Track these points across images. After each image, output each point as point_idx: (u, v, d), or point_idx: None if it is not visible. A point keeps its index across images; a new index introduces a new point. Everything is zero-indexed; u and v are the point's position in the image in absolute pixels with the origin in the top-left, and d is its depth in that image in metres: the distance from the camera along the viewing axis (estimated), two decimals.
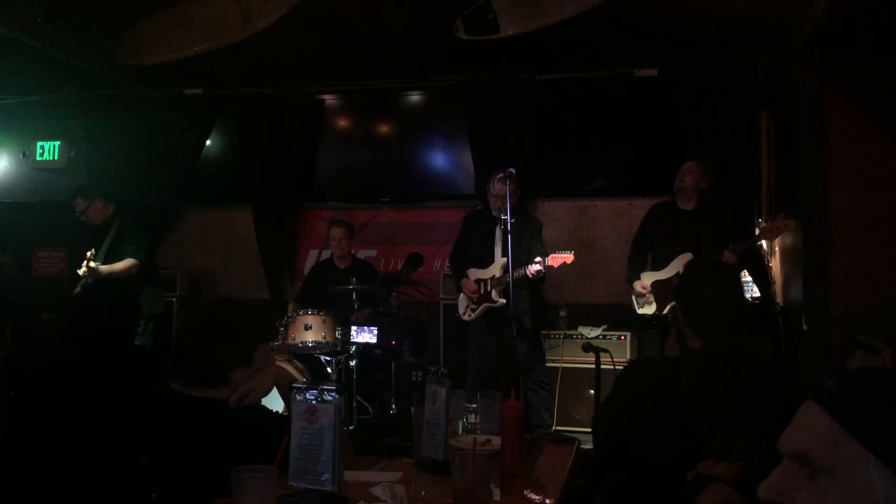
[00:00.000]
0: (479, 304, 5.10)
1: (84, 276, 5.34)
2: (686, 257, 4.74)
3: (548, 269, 4.79)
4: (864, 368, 1.08)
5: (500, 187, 4.85)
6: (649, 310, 4.93)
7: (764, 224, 5.72)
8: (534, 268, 4.77)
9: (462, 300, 5.24)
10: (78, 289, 5.28)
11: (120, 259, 5.51)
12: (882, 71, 4.87)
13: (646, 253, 5.10)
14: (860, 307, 4.84)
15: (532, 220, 5.32)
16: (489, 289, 5.03)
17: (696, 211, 4.89)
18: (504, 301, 4.92)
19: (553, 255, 4.81)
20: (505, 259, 4.93)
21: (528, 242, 5.01)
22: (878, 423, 0.91)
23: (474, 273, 5.14)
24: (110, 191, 5.96)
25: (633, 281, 5.01)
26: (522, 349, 4.97)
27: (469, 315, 5.15)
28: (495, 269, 5.04)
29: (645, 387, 2.27)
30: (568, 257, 4.80)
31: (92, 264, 5.32)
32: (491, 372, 5.01)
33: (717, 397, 1.98)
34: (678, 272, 4.70)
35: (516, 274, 4.73)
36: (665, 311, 4.79)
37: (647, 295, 4.91)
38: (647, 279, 4.97)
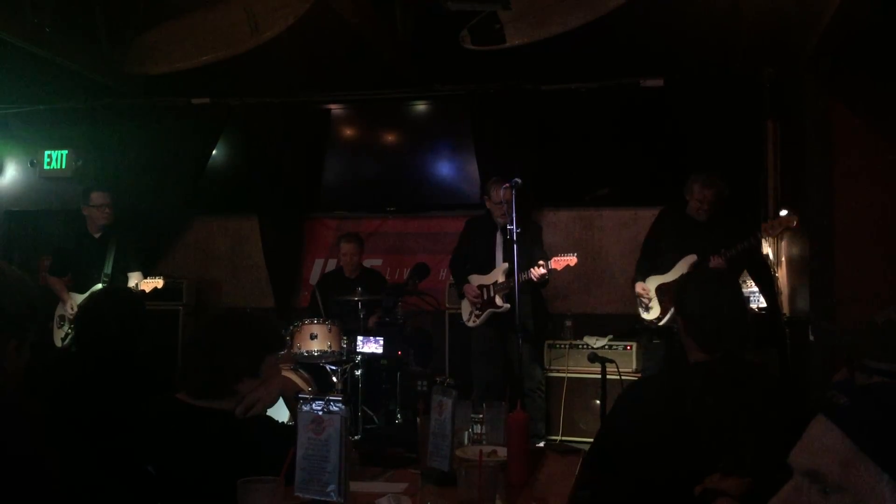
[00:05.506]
0: (482, 309, 5.10)
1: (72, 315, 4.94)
2: (690, 259, 4.69)
3: (551, 271, 4.80)
4: (877, 384, 1.06)
5: (503, 193, 4.85)
6: (652, 314, 4.90)
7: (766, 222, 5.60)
8: (539, 271, 4.77)
9: (465, 306, 5.25)
10: (67, 329, 4.97)
11: (125, 273, 5.28)
12: (890, 81, 4.85)
13: (655, 257, 5.05)
14: (867, 319, 4.79)
15: (532, 224, 5.28)
16: (492, 294, 5.03)
17: (707, 222, 4.81)
18: (508, 306, 4.93)
19: (556, 258, 4.81)
20: (507, 264, 4.97)
21: (530, 246, 4.99)
22: (892, 441, 0.89)
23: (476, 279, 5.15)
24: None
25: (637, 282, 4.97)
26: (525, 354, 4.96)
27: (473, 321, 5.16)
28: (497, 275, 5.04)
29: (646, 406, 2.21)
30: (571, 259, 4.79)
31: None
32: (496, 381, 4.99)
33: (723, 414, 1.94)
34: (683, 274, 4.66)
35: (520, 279, 4.74)
36: (666, 319, 4.76)
37: (646, 298, 4.87)
38: (651, 283, 4.93)
